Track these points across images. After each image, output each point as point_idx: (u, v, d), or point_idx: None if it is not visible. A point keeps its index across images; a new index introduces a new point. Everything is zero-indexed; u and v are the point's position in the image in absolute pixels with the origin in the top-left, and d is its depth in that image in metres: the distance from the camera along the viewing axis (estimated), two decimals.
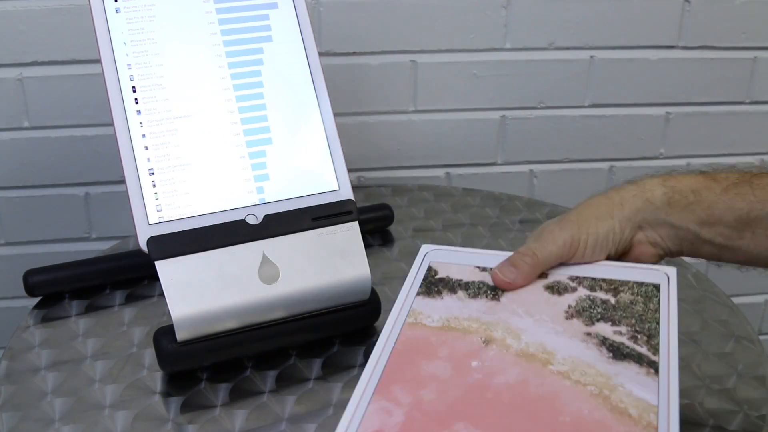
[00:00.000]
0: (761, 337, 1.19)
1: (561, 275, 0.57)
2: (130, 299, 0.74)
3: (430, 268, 0.59)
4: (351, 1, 1.00)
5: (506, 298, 0.55)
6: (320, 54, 0.69)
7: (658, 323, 0.52)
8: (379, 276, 0.76)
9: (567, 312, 0.53)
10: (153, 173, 0.61)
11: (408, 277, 0.58)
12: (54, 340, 0.68)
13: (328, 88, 0.67)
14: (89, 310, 0.72)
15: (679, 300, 0.75)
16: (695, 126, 1.12)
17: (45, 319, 0.71)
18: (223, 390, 0.61)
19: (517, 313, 0.53)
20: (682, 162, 1.13)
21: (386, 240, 0.87)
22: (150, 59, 0.63)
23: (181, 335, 0.59)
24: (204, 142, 0.63)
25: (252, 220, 0.63)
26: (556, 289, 0.56)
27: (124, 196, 0.61)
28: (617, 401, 0.45)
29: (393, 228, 0.89)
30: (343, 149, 0.67)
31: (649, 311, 0.53)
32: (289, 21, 0.68)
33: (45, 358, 0.65)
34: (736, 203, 0.57)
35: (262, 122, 0.65)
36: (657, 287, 0.55)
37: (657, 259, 0.61)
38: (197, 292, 0.60)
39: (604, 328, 0.51)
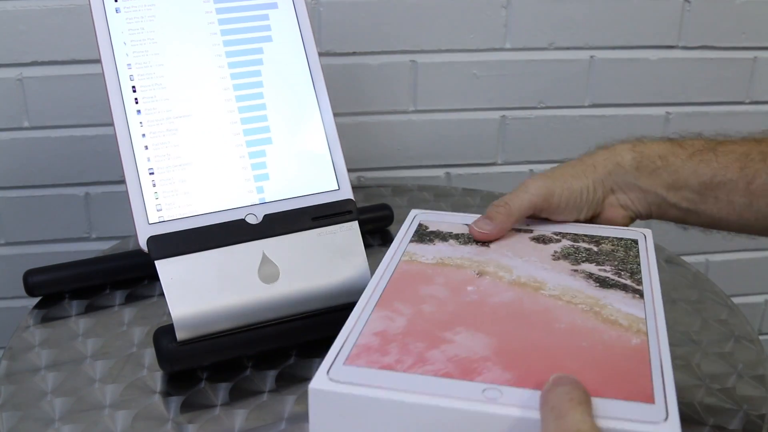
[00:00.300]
0: (761, 337, 1.19)
1: (545, 230, 0.61)
2: (130, 299, 0.74)
3: (420, 224, 0.62)
4: (351, 1, 1.00)
5: (495, 245, 0.58)
6: (320, 54, 0.69)
7: (639, 265, 0.55)
8: None
9: (553, 255, 0.56)
10: (153, 173, 0.61)
11: (398, 234, 0.60)
12: (54, 340, 0.68)
13: (328, 88, 0.68)
14: (89, 310, 0.72)
15: (679, 300, 0.75)
16: (695, 126, 1.12)
17: (45, 319, 0.71)
18: (223, 390, 0.61)
19: (506, 255, 0.57)
20: None
21: (386, 240, 0.87)
22: (150, 59, 0.63)
23: (181, 335, 0.59)
24: (204, 142, 0.63)
25: (252, 220, 0.63)
26: (541, 239, 0.59)
27: (124, 196, 0.61)
28: (607, 315, 0.48)
29: (393, 228, 0.89)
30: (343, 149, 0.67)
31: (630, 257, 0.56)
32: (289, 21, 0.68)
33: (45, 358, 0.65)
34: (700, 169, 0.60)
35: (262, 122, 0.65)
36: (635, 241, 0.59)
37: (628, 221, 0.63)
38: (197, 292, 0.60)
39: (590, 267, 0.55)
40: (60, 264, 0.75)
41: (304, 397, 0.61)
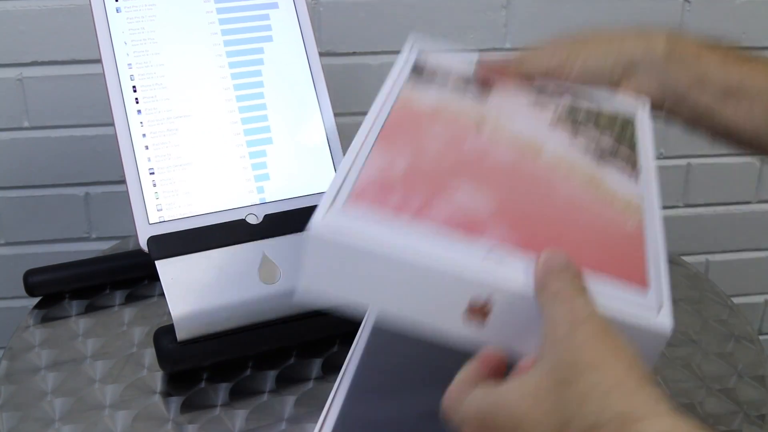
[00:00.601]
0: (761, 337, 1.19)
1: (548, 82, 0.57)
2: (130, 299, 0.74)
3: (418, 59, 0.57)
4: (351, 1, 1.00)
5: (496, 96, 0.55)
6: (320, 54, 0.69)
7: (636, 136, 0.54)
8: None
9: (554, 116, 0.53)
10: (153, 173, 0.61)
11: (394, 67, 0.56)
12: (54, 340, 0.68)
13: (328, 88, 0.68)
14: (89, 310, 0.72)
15: (679, 300, 0.75)
16: None
17: (45, 319, 0.71)
18: (223, 390, 0.61)
19: (506, 106, 0.54)
20: (683, 162, 1.13)
21: None
22: (150, 59, 0.63)
23: (181, 335, 0.59)
24: (204, 142, 0.63)
25: (252, 220, 0.63)
26: (543, 91, 0.56)
27: (124, 196, 0.61)
28: (605, 191, 0.47)
29: None
30: (343, 149, 0.67)
31: (628, 127, 0.55)
32: (289, 21, 0.68)
33: (45, 358, 0.65)
34: (730, 70, 0.58)
35: (262, 122, 0.65)
36: (634, 111, 0.57)
37: None
38: (197, 292, 0.59)
39: (589, 133, 0.52)
40: (60, 264, 0.75)
41: (304, 398, 0.61)
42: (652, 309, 0.38)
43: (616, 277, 0.39)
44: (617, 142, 0.52)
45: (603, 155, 0.51)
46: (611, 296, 0.38)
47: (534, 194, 0.45)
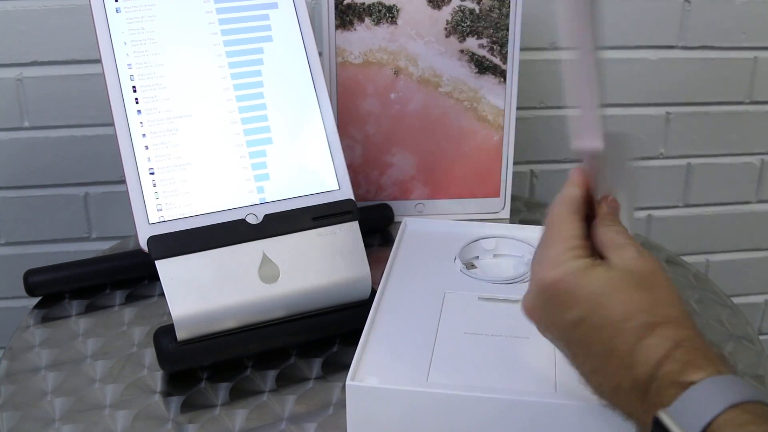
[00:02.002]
0: (761, 337, 1.19)
1: None
2: (130, 299, 0.74)
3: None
4: None
5: (401, 21, 0.70)
6: (320, 54, 0.69)
7: (507, 29, 0.69)
8: (379, 276, 0.76)
9: (446, 29, 0.69)
10: (153, 173, 0.61)
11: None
12: (54, 340, 0.68)
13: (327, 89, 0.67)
14: (89, 309, 0.72)
15: None
16: (695, 126, 1.12)
17: (45, 319, 0.71)
18: (223, 389, 0.61)
19: (411, 36, 0.70)
20: (683, 162, 1.13)
21: (386, 240, 0.87)
22: (150, 59, 0.63)
23: (181, 334, 0.59)
24: (204, 142, 0.63)
25: (252, 220, 0.63)
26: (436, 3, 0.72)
27: (124, 196, 0.61)
28: (481, 111, 0.66)
29: (393, 228, 0.89)
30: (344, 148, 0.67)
31: (503, 16, 0.70)
32: (289, 21, 0.68)
33: (45, 358, 0.65)
34: None
35: (262, 122, 0.65)
36: None
37: None
38: (197, 292, 0.60)
39: (472, 43, 0.68)
40: (60, 264, 0.75)
41: (304, 397, 0.61)
42: (498, 210, 0.60)
43: (478, 197, 0.60)
44: (493, 40, 0.71)
45: (482, 64, 0.72)
46: (472, 209, 0.58)
47: (437, 139, 0.70)
